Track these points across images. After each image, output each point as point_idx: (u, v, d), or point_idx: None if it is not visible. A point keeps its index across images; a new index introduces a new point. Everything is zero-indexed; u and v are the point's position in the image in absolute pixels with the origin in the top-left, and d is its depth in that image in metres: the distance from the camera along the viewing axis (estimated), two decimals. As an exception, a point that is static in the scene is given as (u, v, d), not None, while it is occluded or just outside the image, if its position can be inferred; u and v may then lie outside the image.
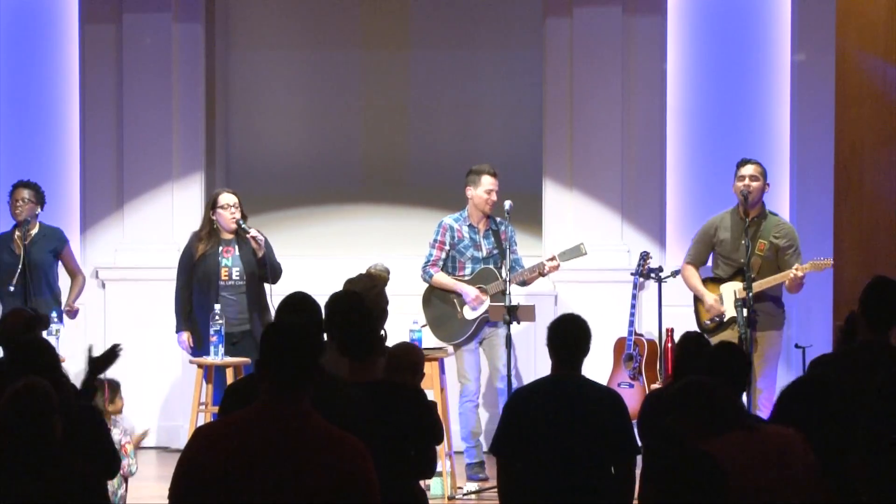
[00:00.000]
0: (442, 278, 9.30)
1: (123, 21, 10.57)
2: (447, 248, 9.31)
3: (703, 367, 5.36)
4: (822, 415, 4.69)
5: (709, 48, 10.43)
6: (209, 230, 9.29)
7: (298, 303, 5.44)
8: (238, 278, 9.26)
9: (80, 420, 5.32)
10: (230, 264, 9.27)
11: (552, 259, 9.22)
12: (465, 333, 9.20)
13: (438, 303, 9.32)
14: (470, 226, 9.32)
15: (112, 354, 6.07)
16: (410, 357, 6.04)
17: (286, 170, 10.98)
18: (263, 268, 9.17)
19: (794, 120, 10.32)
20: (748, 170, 8.86)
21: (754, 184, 8.83)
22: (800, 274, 8.65)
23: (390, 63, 11.03)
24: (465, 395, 9.22)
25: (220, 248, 9.28)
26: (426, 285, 9.41)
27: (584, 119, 10.45)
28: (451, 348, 9.25)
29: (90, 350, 6.09)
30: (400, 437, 5.56)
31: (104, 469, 5.55)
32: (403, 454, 5.59)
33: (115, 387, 7.84)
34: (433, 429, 5.84)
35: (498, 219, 9.35)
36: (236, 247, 9.29)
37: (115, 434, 6.59)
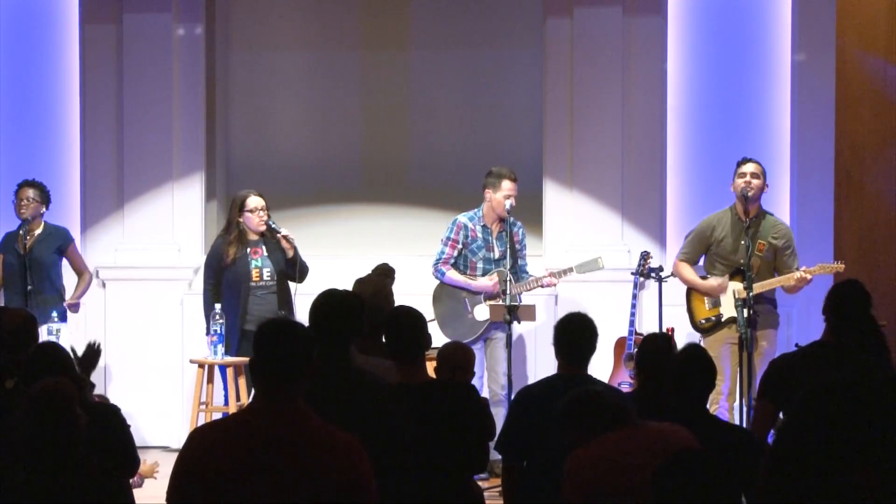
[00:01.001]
0: (454, 276, 9.29)
1: (123, 21, 10.56)
2: (460, 246, 9.30)
3: (669, 369, 5.39)
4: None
5: (709, 48, 10.43)
6: (237, 234, 9.32)
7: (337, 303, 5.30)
8: (269, 278, 9.32)
9: (102, 419, 5.33)
10: (261, 265, 9.31)
11: (551, 275, 9.25)
12: (475, 334, 9.19)
13: (448, 301, 9.30)
14: (484, 226, 9.31)
15: (94, 353, 6.14)
16: (461, 356, 6.21)
17: (286, 170, 10.98)
18: (293, 267, 9.22)
19: (794, 120, 10.32)
20: (749, 168, 8.85)
21: (755, 181, 8.81)
22: (808, 277, 8.66)
23: (390, 63, 11.03)
24: None
25: (249, 250, 9.33)
26: (435, 283, 9.41)
27: (584, 119, 10.44)
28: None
29: (74, 351, 6.13)
30: (458, 434, 5.62)
31: (125, 467, 5.56)
32: (460, 450, 5.63)
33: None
34: (488, 424, 5.92)
35: (511, 219, 9.35)
36: (264, 247, 9.35)
37: None
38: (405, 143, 11.03)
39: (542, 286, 9.31)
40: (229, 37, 11.08)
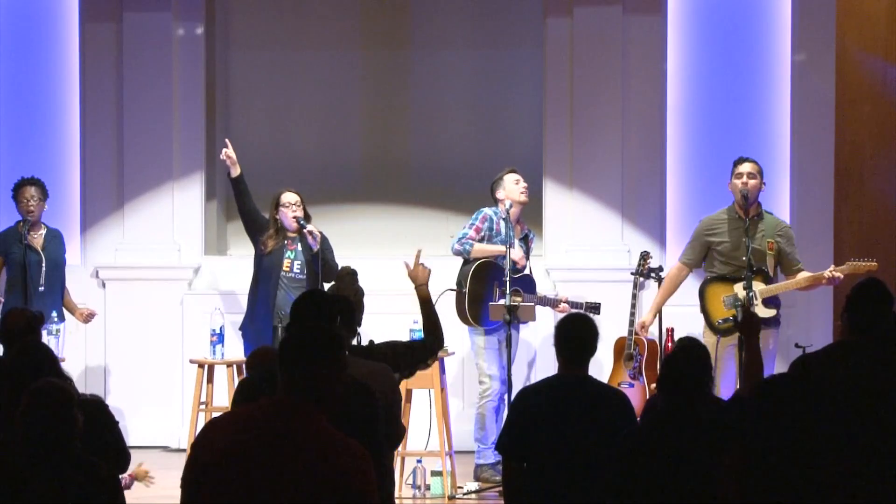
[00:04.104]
0: (483, 245, 9.22)
1: (123, 21, 10.57)
2: (483, 234, 9.25)
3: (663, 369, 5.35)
4: (796, 412, 4.65)
5: (709, 48, 10.43)
6: (276, 228, 9.43)
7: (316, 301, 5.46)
8: (299, 271, 9.39)
9: (92, 416, 5.36)
10: (293, 257, 9.42)
11: (566, 302, 9.26)
12: (497, 321, 9.06)
13: (484, 283, 9.20)
14: (506, 220, 9.26)
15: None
16: (268, 362, 5.84)
17: (286, 170, 10.98)
18: (317, 263, 9.27)
19: (794, 120, 10.33)
20: (746, 167, 8.85)
21: (752, 181, 8.82)
22: (839, 275, 8.64)
23: (390, 63, 11.04)
24: (485, 394, 9.19)
25: (286, 242, 9.43)
26: (461, 260, 9.33)
27: (584, 119, 10.45)
28: (451, 347, 9.23)
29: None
30: None
31: (116, 463, 5.59)
32: None
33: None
34: None
35: (525, 227, 9.38)
36: (299, 243, 9.42)
37: None
38: (406, 142, 11.04)
39: (552, 307, 9.35)
40: (229, 36, 11.09)
